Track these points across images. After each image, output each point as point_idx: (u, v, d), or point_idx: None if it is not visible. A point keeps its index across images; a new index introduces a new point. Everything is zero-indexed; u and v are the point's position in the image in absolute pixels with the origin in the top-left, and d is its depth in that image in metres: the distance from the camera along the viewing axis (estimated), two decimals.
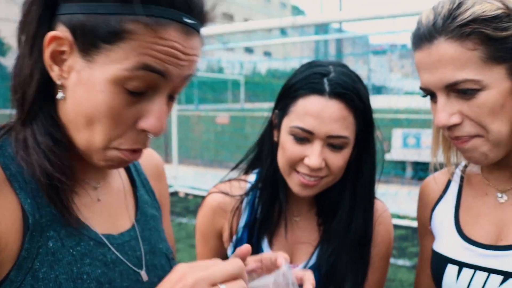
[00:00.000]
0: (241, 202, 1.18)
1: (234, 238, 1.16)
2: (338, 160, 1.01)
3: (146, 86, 0.66)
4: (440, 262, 0.98)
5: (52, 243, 0.68)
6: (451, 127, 0.87)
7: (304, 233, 1.15)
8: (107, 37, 0.63)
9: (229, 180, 1.24)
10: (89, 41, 0.64)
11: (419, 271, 1.17)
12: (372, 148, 1.09)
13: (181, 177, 7.96)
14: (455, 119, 0.86)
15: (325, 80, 0.99)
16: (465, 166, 1.07)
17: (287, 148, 1.03)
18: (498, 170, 0.97)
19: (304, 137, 1.00)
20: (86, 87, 0.65)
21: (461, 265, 0.94)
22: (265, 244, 1.14)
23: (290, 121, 1.02)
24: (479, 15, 0.81)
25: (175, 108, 8.18)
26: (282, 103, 1.07)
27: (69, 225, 0.70)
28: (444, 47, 0.83)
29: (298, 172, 1.03)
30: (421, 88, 0.91)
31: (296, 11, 46.54)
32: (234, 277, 0.63)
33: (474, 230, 0.96)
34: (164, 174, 1.02)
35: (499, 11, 0.81)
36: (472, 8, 0.82)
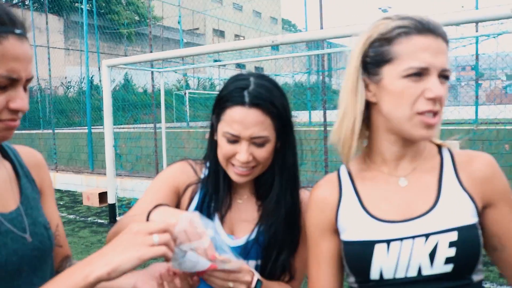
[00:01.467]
0: (197, 183, 1.40)
1: None
2: (262, 153, 1.25)
3: (6, 84, 0.97)
4: (366, 247, 1.12)
5: None
6: (435, 100, 1.07)
7: (246, 213, 1.38)
8: None
9: (196, 160, 1.46)
10: None
11: (317, 274, 1.24)
12: (292, 141, 1.33)
13: None
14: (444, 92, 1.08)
15: (245, 92, 1.23)
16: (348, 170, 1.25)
17: (222, 147, 1.27)
18: (396, 161, 1.18)
19: (233, 139, 1.24)
20: None
21: (389, 241, 1.10)
22: (216, 221, 1.35)
23: (223, 127, 1.26)
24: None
25: (165, 125, 8.30)
26: (217, 111, 1.30)
27: None
28: (441, 43, 1.08)
29: (233, 164, 1.28)
30: (415, 68, 1.06)
31: (287, 25, 46.89)
32: (163, 231, 0.93)
33: (386, 213, 1.15)
34: (45, 167, 1.31)
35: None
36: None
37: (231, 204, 1.39)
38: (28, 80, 1.03)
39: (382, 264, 1.10)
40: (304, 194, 1.40)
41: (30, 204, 1.16)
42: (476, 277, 1.10)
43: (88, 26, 12.96)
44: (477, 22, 5.62)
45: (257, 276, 1.15)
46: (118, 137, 9.83)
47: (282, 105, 1.27)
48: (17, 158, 1.21)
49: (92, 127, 12.14)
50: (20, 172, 1.19)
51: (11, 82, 0.98)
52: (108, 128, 6.65)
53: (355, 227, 1.16)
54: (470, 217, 1.09)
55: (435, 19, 1.10)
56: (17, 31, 0.98)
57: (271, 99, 1.24)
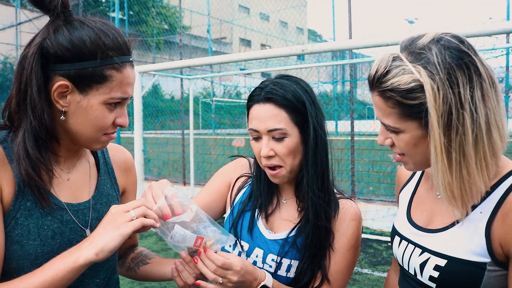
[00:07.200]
0: (249, 177, 1.51)
1: (229, 210, 1.46)
2: (282, 148, 1.30)
3: (117, 103, 1.12)
4: (393, 233, 1.32)
5: (29, 203, 1.10)
6: (390, 146, 1.19)
7: (288, 213, 1.44)
8: (99, 80, 1.07)
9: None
10: (86, 84, 1.06)
11: None
12: (314, 138, 1.32)
13: None
14: (388, 142, 1.18)
15: (262, 92, 1.32)
16: None
17: (252, 146, 1.37)
18: None
19: (256, 136, 1.33)
20: (86, 109, 1.08)
21: (402, 237, 1.26)
22: (259, 218, 1.43)
23: (248, 126, 1.36)
24: (396, 87, 1.05)
25: (192, 132, 8.42)
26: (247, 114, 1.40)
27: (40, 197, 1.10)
28: (377, 99, 1.12)
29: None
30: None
31: (313, 35, 46.80)
32: (138, 207, 1.05)
33: (416, 214, 1.26)
34: (132, 167, 1.43)
35: (413, 84, 1.03)
36: (393, 78, 1.06)
37: (277, 203, 1.45)
38: (129, 98, 1.18)
39: (396, 252, 1.28)
40: (346, 203, 1.41)
41: (101, 200, 1.27)
42: None
43: None
44: (508, 33, 5.56)
45: (266, 282, 1.25)
46: (146, 142, 10.01)
47: (297, 98, 1.30)
48: (104, 155, 1.34)
49: (120, 131, 12.40)
50: (102, 168, 1.31)
51: (120, 101, 1.13)
52: (138, 133, 6.80)
53: (398, 213, 1.34)
54: (472, 254, 1.07)
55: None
56: (131, 58, 1.14)
57: (283, 93, 1.30)
